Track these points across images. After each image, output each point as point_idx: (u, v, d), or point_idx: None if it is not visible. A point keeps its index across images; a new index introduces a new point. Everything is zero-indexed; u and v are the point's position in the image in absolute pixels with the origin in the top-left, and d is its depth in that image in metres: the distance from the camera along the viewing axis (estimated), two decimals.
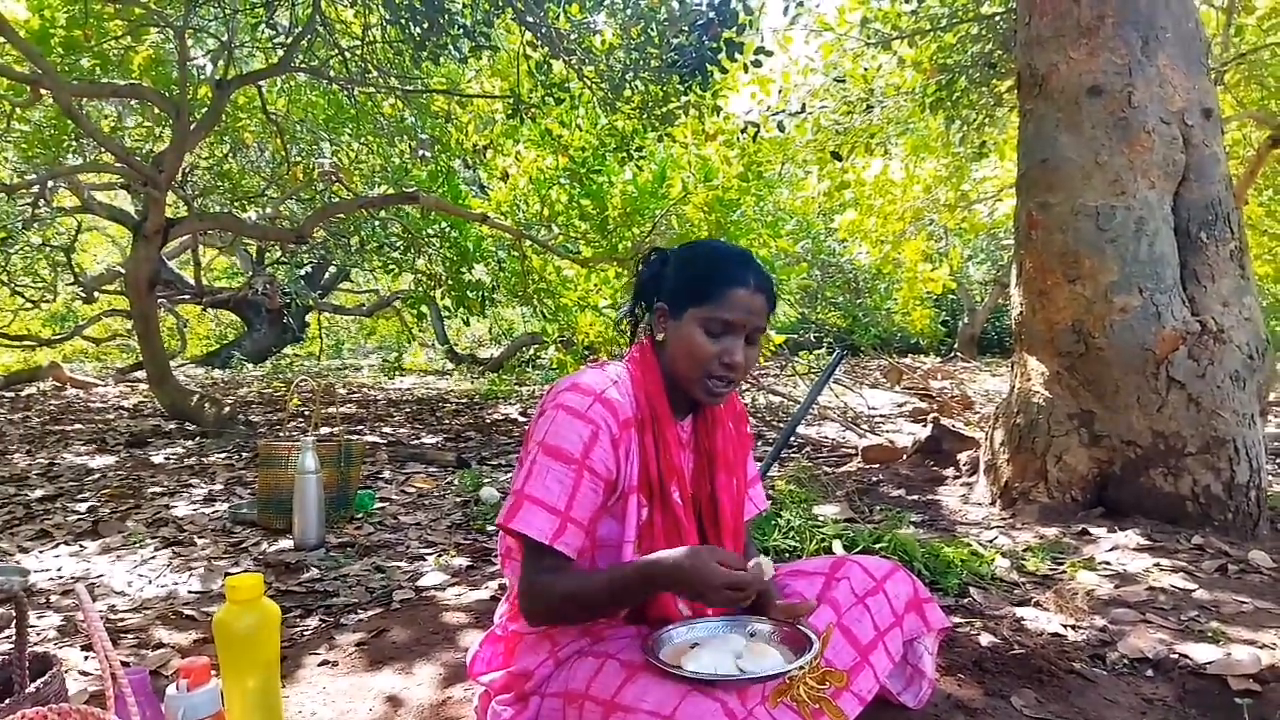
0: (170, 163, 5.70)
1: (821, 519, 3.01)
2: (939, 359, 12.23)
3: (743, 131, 6.34)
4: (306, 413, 6.52)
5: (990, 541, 2.98)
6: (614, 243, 6.79)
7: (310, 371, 10.41)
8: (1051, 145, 3.32)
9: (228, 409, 5.74)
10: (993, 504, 3.50)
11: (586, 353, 7.19)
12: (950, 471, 3.99)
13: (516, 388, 8.55)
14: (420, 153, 7.90)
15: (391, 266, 8.17)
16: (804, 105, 7.02)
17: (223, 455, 4.70)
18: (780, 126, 6.50)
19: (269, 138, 7.26)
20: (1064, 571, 2.61)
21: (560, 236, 7.16)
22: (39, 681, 1.36)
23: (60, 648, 2.10)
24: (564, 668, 1.38)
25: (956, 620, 2.24)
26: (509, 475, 4.13)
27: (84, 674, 1.97)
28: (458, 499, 3.71)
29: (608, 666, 1.30)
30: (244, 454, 4.72)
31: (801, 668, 1.26)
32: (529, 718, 1.39)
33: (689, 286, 1.39)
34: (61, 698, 1.40)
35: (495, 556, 2.86)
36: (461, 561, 2.81)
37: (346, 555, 2.89)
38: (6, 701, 1.30)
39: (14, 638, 1.34)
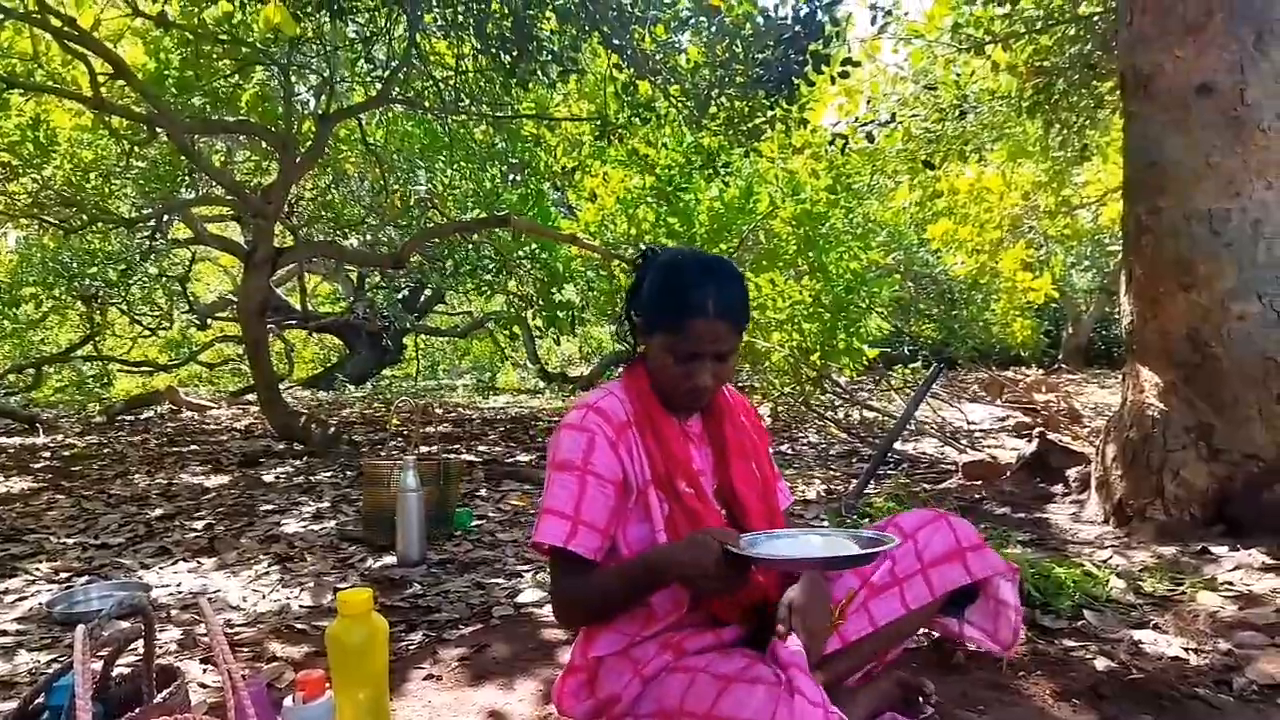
0: (277, 194, 5.99)
1: None
2: (1042, 371, 11.78)
3: (830, 144, 6.28)
4: (406, 432, 6.72)
5: (1104, 561, 2.85)
6: None
7: (408, 392, 10.73)
8: (1159, 147, 3.17)
9: (333, 429, 5.96)
10: (1105, 522, 3.35)
11: None
12: (1058, 488, 3.84)
13: None
14: (511, 176, 8.09)
15: (484, 288, 8.37)
16: (894, 114, 6.91)
17: (329, 474, 4.87)
18: (869, 137, 6.41)
19: (368, 168, 7.54)
20: (1184, 592, 2.47)
21: None
22: (165, 692, 1.44)
23: (180, 660, 2.20)
24: (652, 687, 1.39)
25: (1070, 644, 2.15)
26: None
27: (203, 686, 2.06)
28: None
29: (699, 680, 1.31)
30: (348, 472, 4.89)
31: (872, 558, 1.29)
32: None
33: (655, 310, 1.42)
34: (185, 708, 1.47)
35: None
36: (550, 589, 2.84)
37: (447, 571, 2.96)
38: (136, 710, 1.38)
39: (142, 650, 1.42)
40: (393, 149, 7.56)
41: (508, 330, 10.72)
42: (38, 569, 3.13)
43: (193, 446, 6.12)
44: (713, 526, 1.38)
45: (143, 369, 10.67)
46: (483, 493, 4.27)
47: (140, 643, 1.50)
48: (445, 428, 7.03)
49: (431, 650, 2.23)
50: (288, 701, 1.32)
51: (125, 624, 2.19)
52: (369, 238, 8.21)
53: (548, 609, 2.55)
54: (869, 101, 7.30)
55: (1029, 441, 4.35)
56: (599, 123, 6.32)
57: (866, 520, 3.19)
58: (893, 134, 7.18)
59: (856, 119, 6.81)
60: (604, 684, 1.42)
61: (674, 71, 5.37)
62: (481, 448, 5.82)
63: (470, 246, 7.86)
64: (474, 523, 3.59)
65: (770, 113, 5.23)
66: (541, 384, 11.59)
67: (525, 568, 2.99)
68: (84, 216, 7.08)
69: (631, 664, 1.41)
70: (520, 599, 2.63)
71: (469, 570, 2.98)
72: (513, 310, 9.01)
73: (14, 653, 2.32)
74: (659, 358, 1.41)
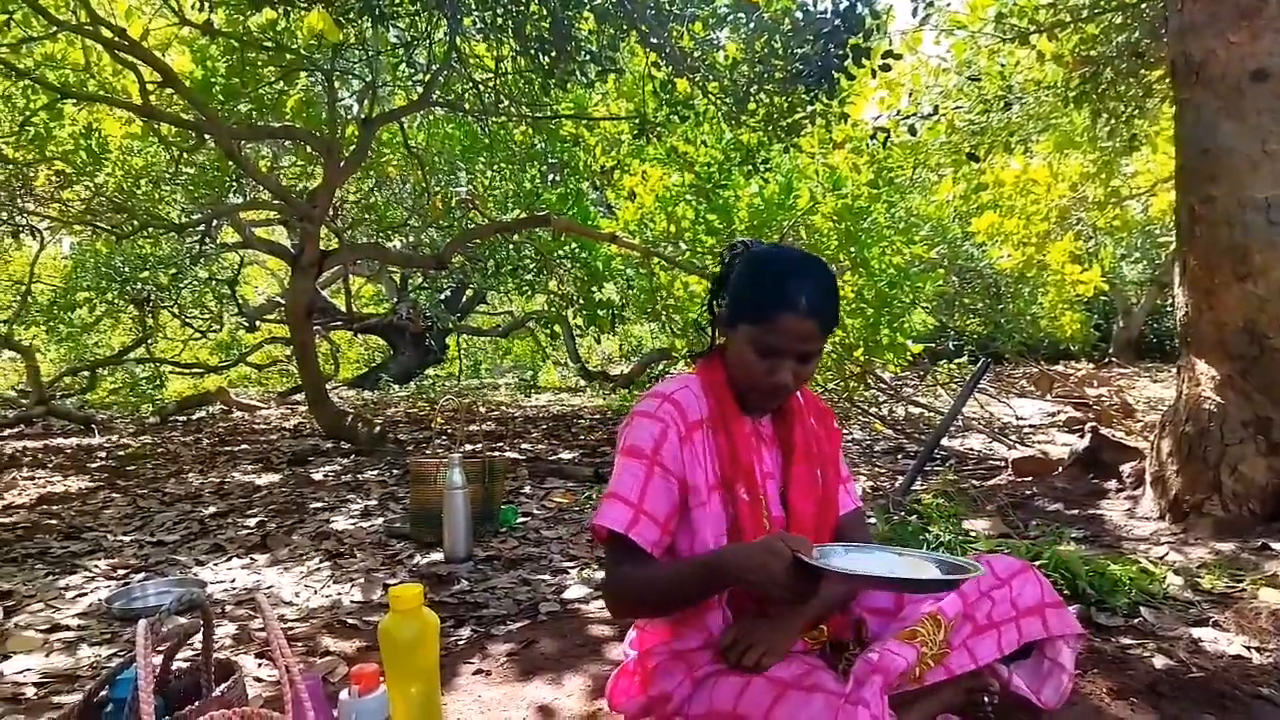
0: (323, 198, 6.08)
1: (973, 534, 2.90)
2: (1092, 365, 11.54)
3: (872, 138, 6.21)
4: (450, 430, 6.78)
5: (1160, 558, 2.78)
6: None
7: (451, 391, 10.83)
8: (1212, 135, 3.09)
9: (379, 428, 6.04)
10: (1161, 518, 3.27)
11: None
12: (1112, 484, 3.76)
13: None
14: (550, 176, 8.12)
15: (525, 288, 8.43)
16: (936, 107, 6.81)
17: (375, 472, 4.94)
18: (911, 130, 6.32)
19: (410, 170, 7.63)
20: (1244, 589, 2.41)
21: (687, 253, 7.19)
22: (223, 686, 1.47)
23: (236, 655, 2.25)
24: (704, 688, 1.38)
25: (1127, 641, 2.10)
26: None
27: (258, 680, 2.10)
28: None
29: (755, 684, 1.29)
30: (394, 470, 4.95)
31: (954, 584, 1.25)
32: None
33: (744, 300, 1.38)
34: (242, 702, 1.50)
35: None
36: (603, 575, 2.85)
37: (493, 568, 2.99)
38: (196, 704, 1.41)
39: (200, 645, 1.45)
40: (434, 151, 7.64)
41: (548, 329, 10.77)
42: (96, 566, 3.22)
43: (244, 446, 6.24)
44: (772, 534, 1.36)
45: (194, 371, 10.89)
46: (527, 490, 4.30)
47: (198, 638, 1.53)
48: (488, 426, 7.08)
49: (480, 646, 2.25)
50: (343, 695, 1.35)
51: (184, 619, 2.25)
52: (411, 239, 8.31)
53: (595, 605, 2.56)
54: (911, 94, 7.21)
55: (1081, 437, 4.27)
56: (637, 121, 6.31)
57: (915, 517, 3.15)
58: (936, 126, 7.08)
59: (898, 112, 6.73)
60: (655, 682, 1.42)
61: (712, 68, 5.35)
62: (525, 445, 5.86)
63: (511, 246, 7.91)
64: (519, 520, 3.62)
65: (810, 108, 5.18)
66: (582, 382, 11.62)
67: (570, 564, 3.00)
68: (135, 222, 7.25)
69: (684, 664, 1.40)
70: (566, 595, 2.65)
71: (515, 567, 3.00)
72: (553, 309, 9.04)
73: (76, 647, 2.39)
74: (741, 351, 1.38)
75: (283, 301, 9.97)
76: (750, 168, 6.31)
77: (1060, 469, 4.07)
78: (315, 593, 2.79)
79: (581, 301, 7.89)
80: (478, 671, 2.09)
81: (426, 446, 5.95)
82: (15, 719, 1.96)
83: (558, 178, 8.17)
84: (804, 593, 1.23)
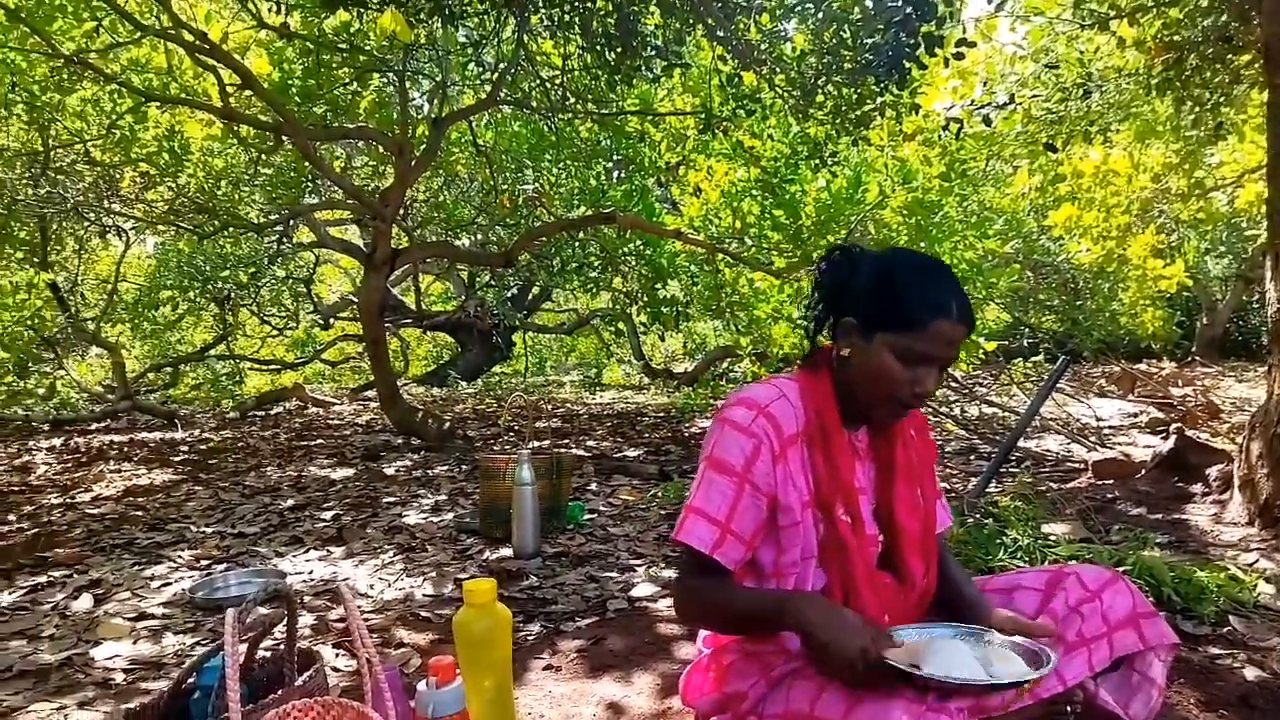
0: (394, 197, 6.19)
1: (1052, 538, 2.80)
2: (1175, 364, 11.11)
3: (944, 129, 6.07)
4: (518, 427, 6.85)
5: (1250, 565, 2.66)
6: (808, 252, 6.68)
7: (517, 388, 10.95)
8: None
9: (448, 424, 6.13)
10: (1250, 523, 3.12)
11: (780, 365, 7.12)
12: (1197, 488, 3.60)
13: (712, 401, 8.58)
14: (615, 173, 8.14)
15: (590, 285, 8.46)
16: (1012, 96, 6.61)
17: (445, 468, 5.02)
18: (986, 120, 6.15)
19: (478, 168, 7.72)
20: None
21: (753, 248, 7.14)
22: (305, 675, 1.50)
23: (314, 644, 2.30)
24: (779, 689, 1.35)
25: (1216, 651, 2.01)
26: None
27: (335, 670, 2.15)
28: (662, 511, 3.76)
29: (831, 689, 1.27)
30: (463, 466, 5.02)
31: (1040, 678, 1.20)
32: None
33: (886, 309, 1.30)
34: (323, 691, 1.53)
35: None
36: (670, 573, 2.84)
37: (561, 564, 3.00)
38: (279, 692, 1.44)
39: (285, 634, 1.48)
40: (501, 150, 7.72)
41: (613, 327, 10.80)
42: (180, 556, 3.33)
43: (319, 441, 6.40)
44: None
45: (271, 367, 11.22)
46: (593, 487, 4.32)
47: (281, 627, 1.57)
48: (554, 423, 7.14)
49: (550, 641, 2.26)
50: (421, 686, 1.36)
51: (267, 610, 2.31)
52: (479, 237, 8.41)
53: (663, 604, 2.55)
54: (985, 83, 7.01)
55: (1165, 438, 4.11)
56: (703, 116, 6.28)
57: (991, 520, 3.07)
58: (1011, 116, 6.87)
59: (972, 102, 6.56)
60: (729, 680, 1.41)
61: (779, 60, 5.29)
62: (590, 443, 5.89)
63: (576, 244, 7.95)
64: (586, 516, 3.63)
65: (880, 99, 5.08)
66: (646, 380, 11.63)
67: (638, 562, 3.00)
68: (216, 222, 7.48)
69: (758, 664, 1.38)
70: (634, 593, 2.65)
71: (582, 563, 3.01)
72: (617, 306, 9.07)
73: (161, 635, 2.48)
74: (880, 361, 1.30)
75: (355, 299, 10.20)
76: (818, 161, 6.23)
77: (1143, 472, 3.92)
78: (389, 585, 2.84)
79: (645, 299, 7.89)
80: (548, 667, 2.10)
81: (494, 443, 6.02)
82: (106, 703, 2.04)
83: (623, 174, 8.18)
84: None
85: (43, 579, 3.07)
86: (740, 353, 8.18)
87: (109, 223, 8.26)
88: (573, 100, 6.32)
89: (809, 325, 1.49)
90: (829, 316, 1.43)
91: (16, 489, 4.87)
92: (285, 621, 1.46)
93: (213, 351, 10.22)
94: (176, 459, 5.72)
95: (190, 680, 1.41)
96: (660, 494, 4.07)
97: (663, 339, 11.48)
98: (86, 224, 8.50)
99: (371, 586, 2.84)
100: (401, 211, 7.52)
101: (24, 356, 8.27)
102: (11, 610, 2.75)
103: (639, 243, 7.64)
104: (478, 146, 7.12)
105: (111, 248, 10.12)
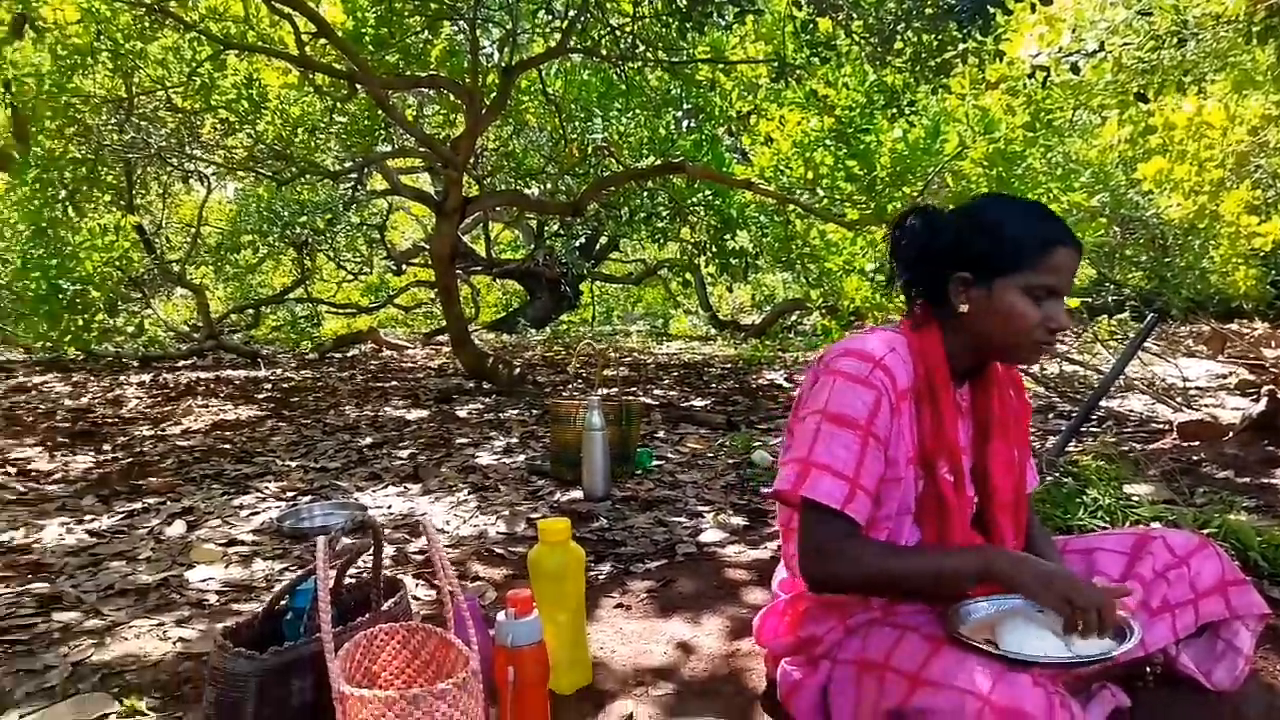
0: (465, 145, 6.23)
1: (1135, 499, 2.74)
2: (1267, 325, 10.62)
3: (1029, 77, 5.84)
4: (585, 375, 6.92)
5: None
6: (882, 204, 6.54)
7: (585, 336, 11.04)
8: None
9: (518, 370, 6.22)
10: None
11: (851, 318, 7.02)
12: None
13: (779, 354, 8.54)
14: (685, 122, 8.04)
15: (658, 236, 8.43)
16: (1102, 43, 6.30)
17: (515, 411, 5.11)
18: (1074, 69, 5.90)
19: (548, 118, 7.70)
20: None
21: (825, 200, 7.00)
22: (390, 601, 1.57)
23: (394, 575, 2.39)
24: (855, 636, 1.36)
25: None
26: (778, 440, 4.14)
27: (414, 599, 2.23)
28: (730, 460, 3.77)
29: (908, 639, 1.27)
30: (533, 411, 5.10)
31: (1124, 652, 1.18)
32: (819, 680, 1.39)
33: (1002, 252, 1.29)
34: (407, 616, 1.59)
35: (771, 519, 2.89)
36: (738, 521, 2.87)
37: (630, 508, 3.05)
38: (366, 615, 1.51)
39: (371, 562, 1.54)
40: (570, 99, 7.68)
41: (681, 277, 10.77)
42: (266, 487, 3.48)
43: (393, 382, 6.57)
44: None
45: (346, 311, 11.50)
46: (660, 435, 4.35)
47: (366, 556, 1.63)
48: (621, 372, 7.18)
49: (620, 581, 2.31)
50: (500, 616, 1.41)
51: (350, 540, 2.40)
52: (548, 186, 8.43)
53: (730, 550, 2.57)
54: (1074, 30, 6.69)
55: (1256, 400, 3.95)
56: (776, 64, 6.15)
57: (1071, 479, 3.00)
58: (1100, 65, 6.56)
59: (1059, 49, 6.27)
60: (805, 625, 1.42)
61: (856, 6, 5.14)
62: (657, 392, 5.92)
63: (645, 194, 7.91)
64: (654, 463, 3.67)
65: (961, 46, 4.91)
66: (713, 331, 11.61)
67: (705, 509, 3.03)
68: (293, 169, 7.64)
69: (836, 611, 1.39)
70: (702, 538, 2.68)
71: (651, 508, 3.05)
72: (685, 257, 9.03)
73: (251, 561, 2.60)
74: (1008, 304, 1.28)
75: (427, 246, 10.36)
76: (894, 111, 6.07)
77: (1231, 434, 3.79)
78: (464, 522, 2.92)
79: (714, 249, 7.84)
80: (618, 605, 2.15)
81: (563, 389, 6.10)
82: (201, 622, 2.15)
83: (692, 123, 8.08)
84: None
85: (138, 505, 3.24)
86: (810, 305, 8.08)
87: (191, 168, 8.49)
88: (643, 48, 6.25)
89: (903, 288, 1.45)
90: (920, 279, 1.41)
91: (110, 421, 5.12)
92: (371, 550, 1.52)
93: (291, 295, 10.51)
94: (260, 396, 5.94)
95: (283, 602, 1.48)
96: (728, 444, 4.08)
97: (731, 290, 11.44)
98: (169, 169, 8.75)
99: (447, 523, 2.93)
100: (472, 160, 7.56)
101: (113, 296, 8.61)
102: (111, 533, 2.92)
103: (708, 193, 7.57)
104: (547, 95, 7.10)
105: (194, 193, 10.43)
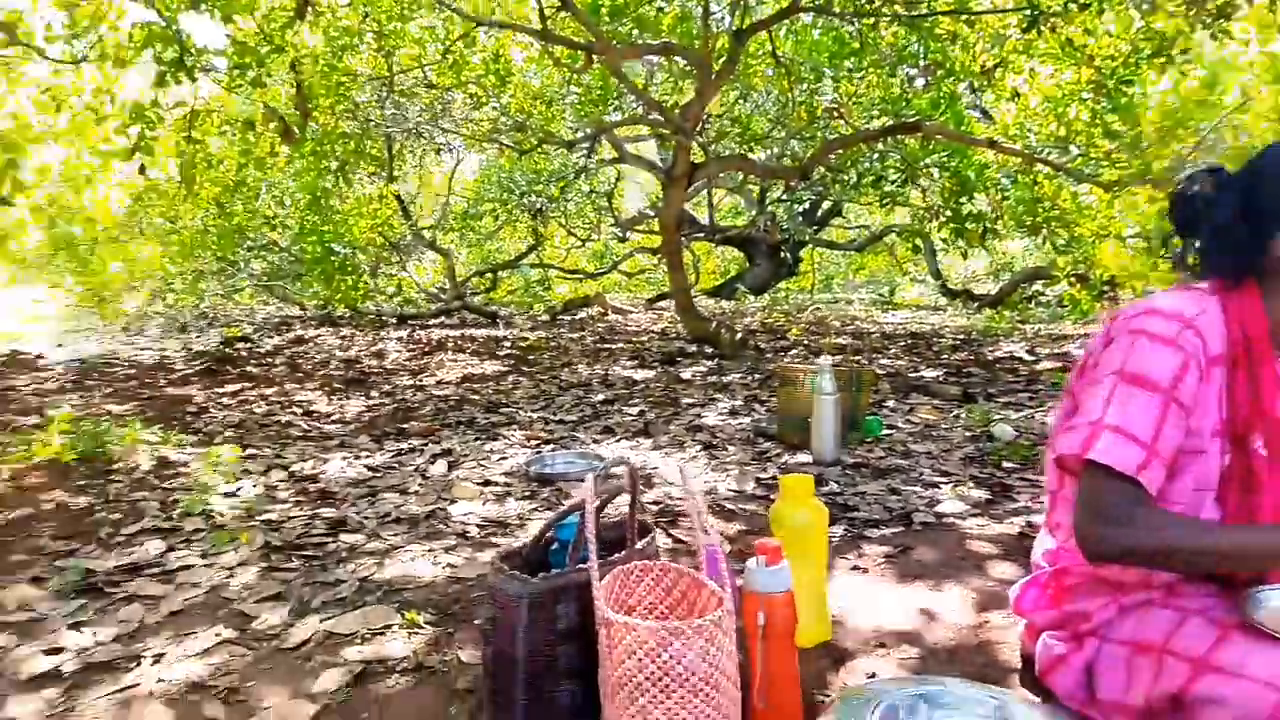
0: (694, 112, 6.29)
1: None
2: None
3: None
4: (806, 341, 6.85)
5: None
6: (1147, 162, 5.92)
7: (804, 303, 10.90)
8: None
9: (740, 335, 6.26)
10: None
11: (1103, 289, 6.45)
12: None
13: (1019, 325, 8.02)
14: (921, 79, 7.67)
15: (886, 200, 8.13)
16: None
17: (738, 375, 5.16)
18: None
19: (776, 80, 7.61)
20: None
21: (1079, 158, 6.45)
22: (643, 541, 1.65)
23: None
24: (1129, 615, 1.27)
25: None
26: (1020, 414, 3.91)
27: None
28: (967, 433, 3.62)
29: (1192, 622, 1.17)
30: (755, 375, 5.13)
31: None
32: (1084, 657, 1.32)
33: None
34: (656, 556, 1.67)
35: (1016, 494, 2.75)
36: (979, 494, 2.75)
37: (861, 475, 3.00)
38: (622, 552, 1.60)
39: (629, 503, 1.63)
40: (800, 60, 7.54)
41: (910, 243, 10.35)
42: (512, 435, 3.74)
43: (620, 344, 6.82)
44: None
45: (575, 276, 12.02)
46: (890, 404, 4.24)
47: (614, 500, 1.73)
48: (844, 340, 7.04)
49: (855, 545, 2.30)
50: (750, 563, 1.45)
51: (579, 485, 2.54)
52: (774, 151, 8.35)
53: (972, 522, 2.48)
54: None
55: None
56: (1028, 12, 5.70)
57: None
58: None
59: None
60: (1074, 599, 1.35)
61: None
62: (884, 361, 5.76)
63: (875, 156, 7.65)
64: (883, 431, 3.59)
65: None
66: (942, 300, 11.08)
67: (942, 480, 2.93)
68: (532, 140, 8.05)
69: (1109, 587, 1.31)
70: (940, 509, 2.60)
71: (883, 476, 2.99)
72: (916, 222, 8.65)
73: (504, 500, 2.82)
74: None
75: (651, 213, 10.60)
76: (1164, 60, 5.47)
77: None
78: (694, 478, 3.01)
79: (948, 214, 7.45)
80: (854, 568, 2.14)
81: (783, 355, 6.07)
82: (465, 550, 2.37)
83: (929, 81, 7.68)
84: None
85: (405, 445, 3.60)
86: (1056, 275, 7.52)
87: (442, 141, 9.16)
88: (879, 2, 6.00)
89: (1194, 253, 1.33)
90: (1227, 243, 1.27)
91: (376, 371, 5.68)
92: (628, 493, 1.61)
93: (525, 260, 11.13)
94: (501, 353, 6.37)
95: (549, 534, 1.60)
96: (964, 416, 3.91)
97: (965, 257, 10.81)
98: (424, 142, 9.49)
99: (679, 476, 3.03)
100: (699, 126, 7.62)
101: (376, 259, 9.50)
102: (384, 468, 3.26)
103: (943, 154, 7.20)
104: (776, 57, 6.99)
105: (442, 164, 11.26)
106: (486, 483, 3.00)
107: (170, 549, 2.38)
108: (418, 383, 5.18)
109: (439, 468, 3.22)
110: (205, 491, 2.81)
